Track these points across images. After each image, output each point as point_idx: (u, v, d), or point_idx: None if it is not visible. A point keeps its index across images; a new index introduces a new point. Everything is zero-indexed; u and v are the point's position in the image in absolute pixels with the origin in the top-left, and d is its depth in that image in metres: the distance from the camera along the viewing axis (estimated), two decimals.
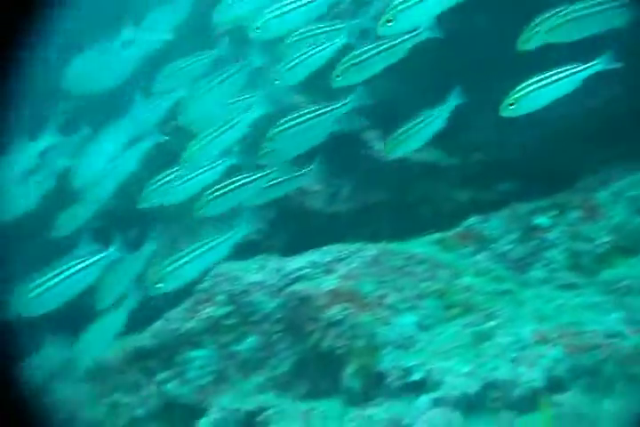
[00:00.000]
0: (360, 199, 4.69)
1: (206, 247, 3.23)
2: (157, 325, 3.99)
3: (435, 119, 3.50)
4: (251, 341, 3.76)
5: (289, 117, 3.48)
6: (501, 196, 4.34)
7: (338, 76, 3.37)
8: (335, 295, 3.50)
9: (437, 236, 4.02)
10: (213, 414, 3.62)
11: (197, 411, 3.73)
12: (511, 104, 3.17)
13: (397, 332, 3.39)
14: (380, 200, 4.64)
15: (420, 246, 3.91)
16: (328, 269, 3.73)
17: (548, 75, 3.17)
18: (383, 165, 4.40)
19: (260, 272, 3.89)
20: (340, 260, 3.76)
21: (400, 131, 3.50)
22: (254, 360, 3.74)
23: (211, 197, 3.48)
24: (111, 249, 3.22)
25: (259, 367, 3.72)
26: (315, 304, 3.49)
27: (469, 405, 3.03)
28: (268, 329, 3.74)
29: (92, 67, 4.01)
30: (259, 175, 3.55)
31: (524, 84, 3.16)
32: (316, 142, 3.65)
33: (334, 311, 3.43)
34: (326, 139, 3.73)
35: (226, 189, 3.48)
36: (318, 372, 3.51)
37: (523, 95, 3.15)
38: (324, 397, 3.43)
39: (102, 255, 3.22)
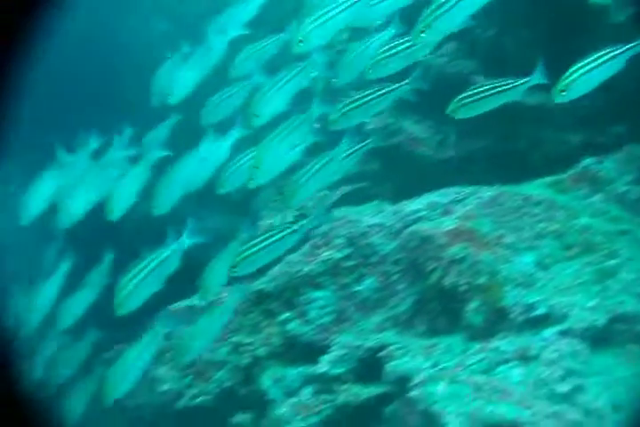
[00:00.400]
0: (468, 145, 4.68)
1: (276, 238, 3.34)
2: (277, 268, 4.13)
3: (506, 93, 3.41)
4: (370, 281, 3.87)
5: (348, 101, 3.57)
6: (615, 138, 4.28)
7: (369, 69, 3.49)
8: (455, 235, 3.56)
9: (551, 178, 4.01)
10: (335, 352, 3.76)
11: (319, 349, 3.87)
12: (562, 91, 3.21)
13: (518, 270, 3.44)
14: (488, 145, 4.62)
15: (535, 189, 3.92)
16: (446, 211, 3.79)
17: (593, 58, 3.21)
18: (491, 110, 4.37)
19: (377, 215, 3.98)
20: (457, 201, 3.82)
21: (466, 94, 3.44)
22: (374, 300, 3.85)
23: (294, 186, 3.56)
24: (183, 238, 3.32)
25: (378, 306, 3.83)
26: (435, 243, 3.57)
27: (596, 337, 3.08)
28: (388, 269, 3.84)
29: (181, 70, 4.15)
30: (333, 157, 3.60)
31: (572, 70, 3.20)
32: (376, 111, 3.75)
33: (455, 250, 3.51)
34: (433, 83, 3.77)
35: (308, 175, 3.55)
36: (439, 309, 3.60)
37: (572, 81, 3.20)
38: (446, 333, 3.53)
39: (174, 246, 3.29)
